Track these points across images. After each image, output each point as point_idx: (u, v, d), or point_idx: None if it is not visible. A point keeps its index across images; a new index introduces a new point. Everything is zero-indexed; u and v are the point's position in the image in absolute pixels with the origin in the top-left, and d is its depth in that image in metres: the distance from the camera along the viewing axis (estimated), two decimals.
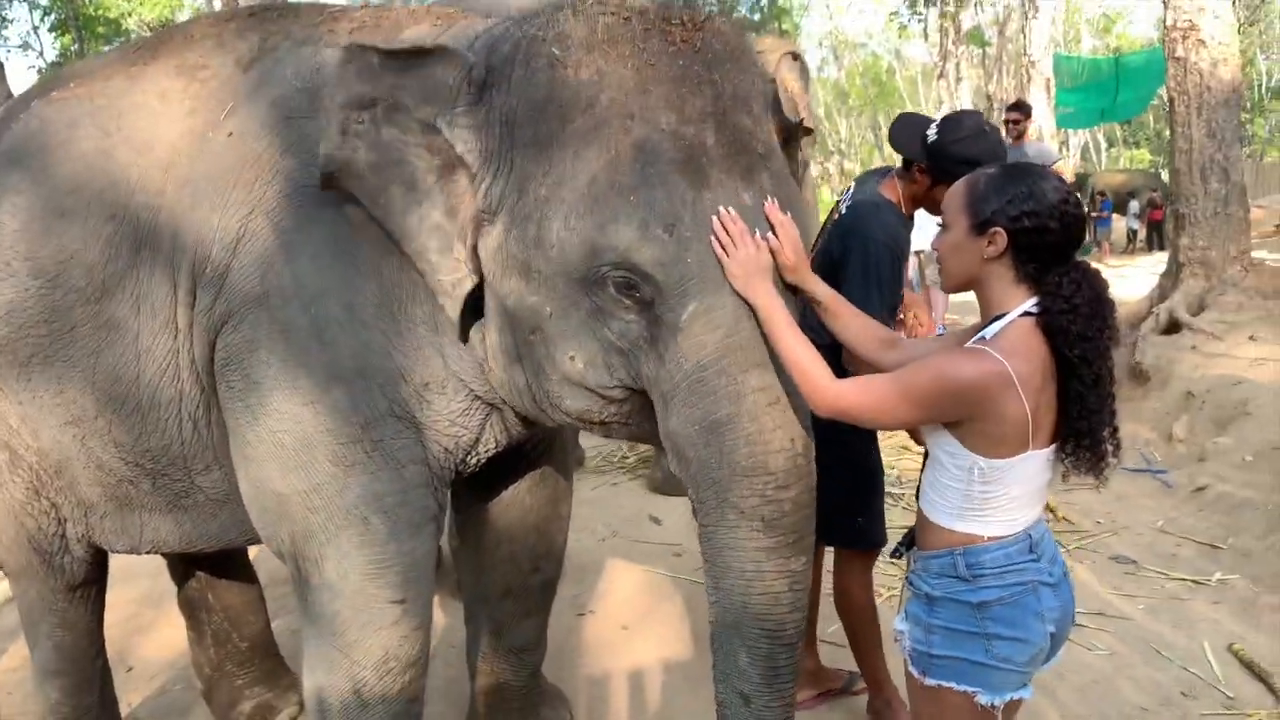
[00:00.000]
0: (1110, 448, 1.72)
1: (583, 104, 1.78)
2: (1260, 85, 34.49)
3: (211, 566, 3.13)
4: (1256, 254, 6.97)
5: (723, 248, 1.72)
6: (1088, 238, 19.90)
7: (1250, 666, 3.16)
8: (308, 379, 2.07)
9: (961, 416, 1.68)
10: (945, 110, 11.61)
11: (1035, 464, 1.72)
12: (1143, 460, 5.14)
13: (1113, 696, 3.06)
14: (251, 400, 2.11)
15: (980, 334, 1.73)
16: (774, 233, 1.77)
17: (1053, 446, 1.74)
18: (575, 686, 3.28)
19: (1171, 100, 6.62)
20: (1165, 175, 25.37)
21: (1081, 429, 1.70)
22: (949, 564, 1.77)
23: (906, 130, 2.83)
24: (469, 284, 1.95)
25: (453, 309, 1.97)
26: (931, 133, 2.71)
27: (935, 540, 1.81)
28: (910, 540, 1.92)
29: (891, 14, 27.47)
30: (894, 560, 2.02)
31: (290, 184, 2.10)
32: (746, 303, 1.75)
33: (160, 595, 4.02)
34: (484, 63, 1.89)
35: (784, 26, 23.30)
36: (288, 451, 2.09)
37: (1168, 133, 6.93)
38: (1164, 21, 6.72)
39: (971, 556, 1.75)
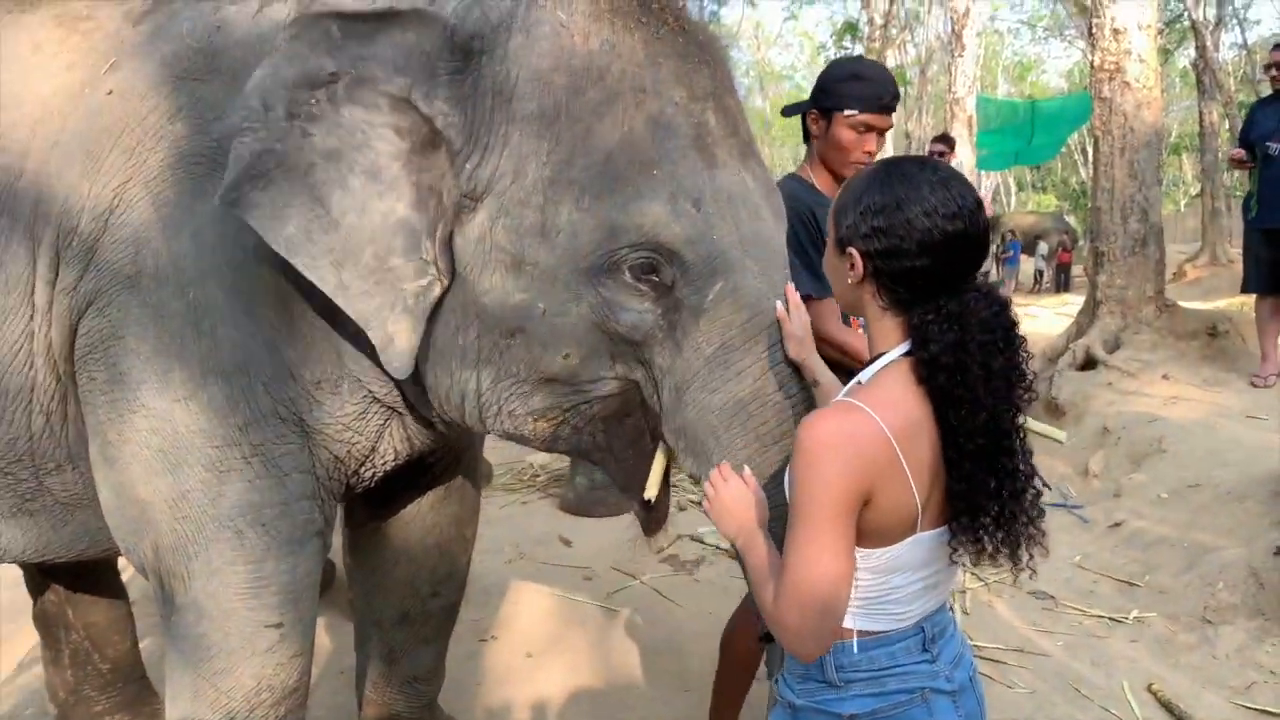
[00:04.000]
0: (1014, 533, 1.36)
1: (594, 75, 1.65)
2: (1162, 146, 36.08)
3: (73, 579, 2.82)
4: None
5: (712, 485, 1.52)
6: (995, 275, 20.46)
7: (1169, 707, 3.11)
8: (181, 372, 1.83)
9: (867, 493, 1.30)
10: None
11: (926, 548, 1.39)
12: (1059, 495, 5.14)
13: None
14: (116, 394, 1.86)
15: (856, 378, 1.42)
16: (786, 306, 1.64)
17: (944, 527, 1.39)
18: (474, 717, 3.06)
19: (1096, 139, 6.75)
20: (1072, 220, 26.25)
21: (960, 508, 1.35)
22: (815, 664, 1.43)
23: (793, 106, 2.71)
24: (437, 290, 1.72)
25: (414, 327, 1.72)
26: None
27: None
28: None
29: (819, 47, 27.98)
30: (765, 642, 1.72)
31: (176, 152, 1.86)
32: (769, 285, 1.65)
33: (18, 609, 3.64)
34: (469, 28, 1.69)
35: None
36: (155, 453, 1.85)
37: (1074, 179, 7.05)
38: (1090, 63, 6.85)
39: (842, 656, 1.41)
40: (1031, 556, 1.39)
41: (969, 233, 1.34)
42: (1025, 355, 1.37)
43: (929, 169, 1.38)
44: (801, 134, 2.67)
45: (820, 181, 2.59)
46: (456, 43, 1.69)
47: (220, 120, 1.85)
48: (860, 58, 2.64)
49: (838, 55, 25.82)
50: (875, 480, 1.30)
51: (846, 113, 2.50)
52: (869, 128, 2.49)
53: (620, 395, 1.74)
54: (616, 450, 1.81)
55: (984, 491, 1.33)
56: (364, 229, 1.69)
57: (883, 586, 1.39)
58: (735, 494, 1.49)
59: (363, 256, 1.70)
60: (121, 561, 3.01)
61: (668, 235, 1.62)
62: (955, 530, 1.36)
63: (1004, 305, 1.36)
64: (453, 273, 1.73)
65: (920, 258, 1.33)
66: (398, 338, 1.73)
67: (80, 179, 1.88)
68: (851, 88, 2.50)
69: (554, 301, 1.67)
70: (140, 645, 3.09)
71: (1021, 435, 1.38)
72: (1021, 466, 1.37)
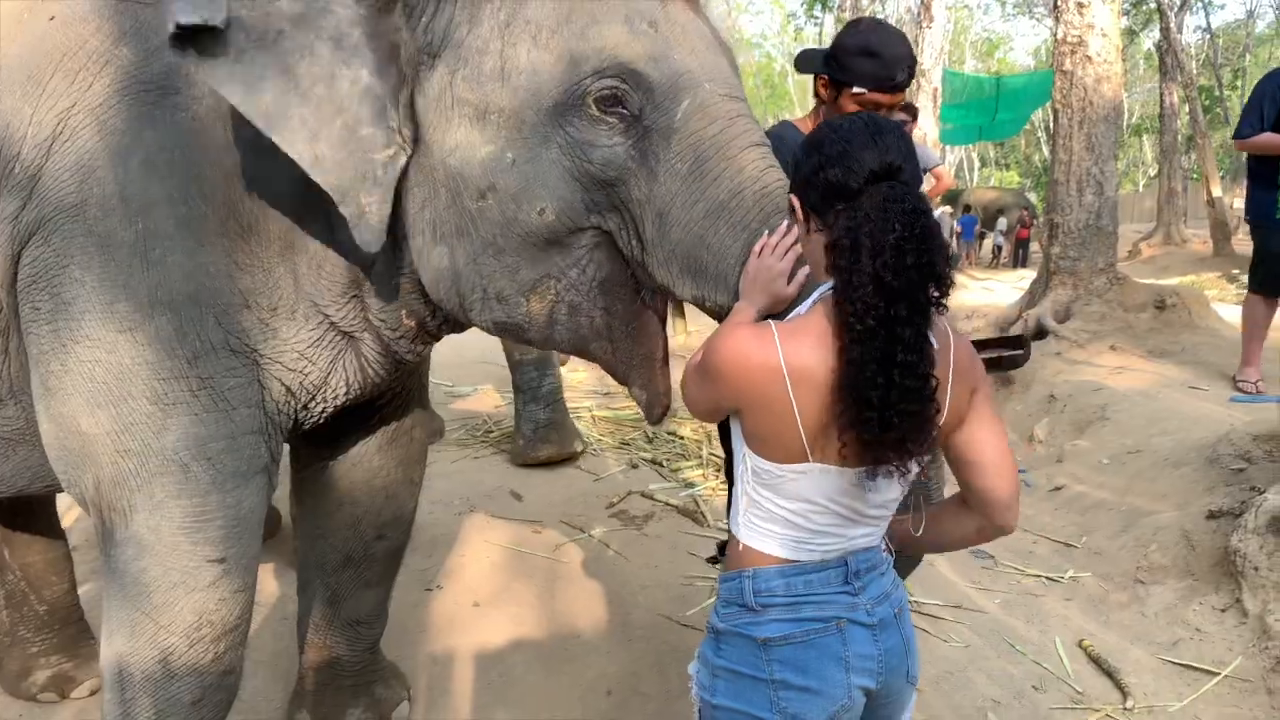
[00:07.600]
0: (907, 428, 1.33)
1: None
2: (1121, 122, 36.42)
3: (10, 518, 2.78)
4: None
5: (759, 251, 1.54)
6: (954, 248, 20.64)
7: (1098, 662, 3.20)
8: (128, 302, 1.80)
9: (738, 405, 1.43)
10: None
11: (834, 483, 1.41)
12: None
13: (966, 689, 3.03)
14: (59, 324, 1.82)
15: (798, 309, 1.48)
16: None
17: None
18: (416, 664, 3.07)
19: (1056, 112, 6.80)
20: (1033, 197, 26.41)
21: (850, 400, 1.33)
22: (737, 589, 1.49)
23: (810, 54, 2.63)
24: (403, 159, 1.73)
25: (384, 198, 1.72)
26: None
27: (731, 557, 1.53)
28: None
29: (789, 15, 27.88)
30: (712, 565, 1.78)
31: (123, 77, 1.81)
32: (734, 102, 1.68)
33: None
34: None
35: None
36: (98, 385, 1.82)
37: (1037, 156, 7.09)
38: (1054, 35, 6.89)
39: (761, 581, 1.46)
40: (931, 461, 1.41)
41: (877, 148, 1.36)
42: (919, 237, 1.32)
43: (863, 119, 1.41)
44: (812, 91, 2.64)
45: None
46: None
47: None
48: (880, 24, 2.49)
49: (807, 24, 25.77)
50: (748, 403, 1.41)
51: (855, 90, 2.45)
52: (877, 105, 2.44)
53: (606, 250, 1.74)
54: (617, 335, 1.81)
55: (871, 383, 1.31)
56: (333, 99, 1.69)
57: (788, 510, 1.44)
58: (766, 266, 1.52)
59: (334, 128, 1.69)
60: (62, 504, 2.98)
61: (629, 53, 1.63)
62: (846, 430, 1.35)
63: (904, 197, 1.34)
64: (415, 141, 1.73)
65: (829, 169, 1.37)
66: (369, 211, 1.72)
67: (21, 103, 1.83)
68: (863, 65, 2.43)
69: (522, 148, 1.67)
70: (80, 590, 3.07)
71: (918, 331, 1.33)
72: (912, 359, 1.32)
